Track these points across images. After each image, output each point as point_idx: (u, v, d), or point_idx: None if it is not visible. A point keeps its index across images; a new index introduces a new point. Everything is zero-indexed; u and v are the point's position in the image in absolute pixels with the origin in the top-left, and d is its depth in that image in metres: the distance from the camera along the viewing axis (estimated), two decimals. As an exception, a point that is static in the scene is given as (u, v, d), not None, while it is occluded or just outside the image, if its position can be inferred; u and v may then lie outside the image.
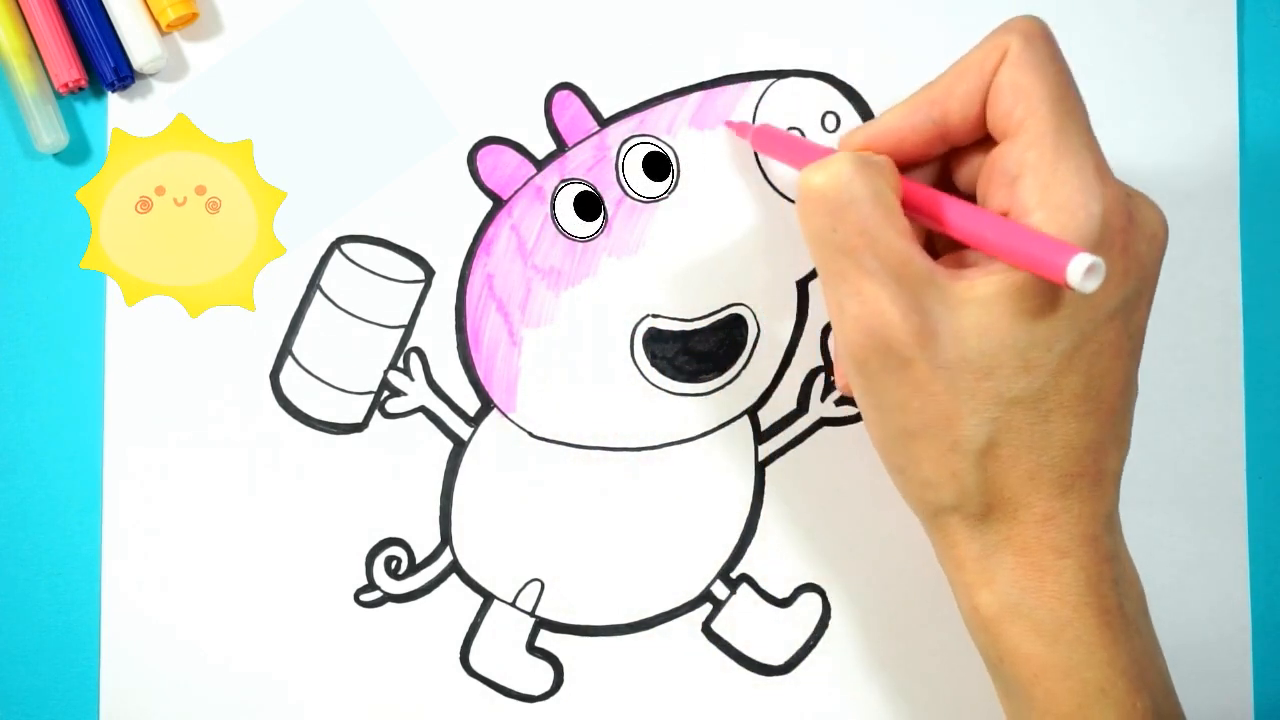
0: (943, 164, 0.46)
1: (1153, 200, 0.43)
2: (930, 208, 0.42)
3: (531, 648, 0.52)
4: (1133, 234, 0.41)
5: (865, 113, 0.52)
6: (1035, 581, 0.42)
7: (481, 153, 0.52)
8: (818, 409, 0.52)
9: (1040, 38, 0.43)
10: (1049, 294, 0.40)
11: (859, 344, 0.42)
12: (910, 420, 0.42)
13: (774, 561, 0.52)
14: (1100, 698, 0.42)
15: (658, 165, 0.52)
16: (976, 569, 0.43)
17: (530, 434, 0.52)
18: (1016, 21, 0.43)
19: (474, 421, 0.52)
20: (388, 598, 0.52)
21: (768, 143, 0.50)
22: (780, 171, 0.52)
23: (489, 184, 0.52)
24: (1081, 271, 0.37)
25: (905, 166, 0.45)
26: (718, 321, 0.52)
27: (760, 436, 0.52)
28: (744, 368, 0.52)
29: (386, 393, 0.52)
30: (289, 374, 0.52)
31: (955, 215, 0.42)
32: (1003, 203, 0.42)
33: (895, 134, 0.44)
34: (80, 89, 0.51)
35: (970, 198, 0.45)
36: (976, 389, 0.41)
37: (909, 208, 0.43)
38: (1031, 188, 0.41)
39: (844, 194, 0.41)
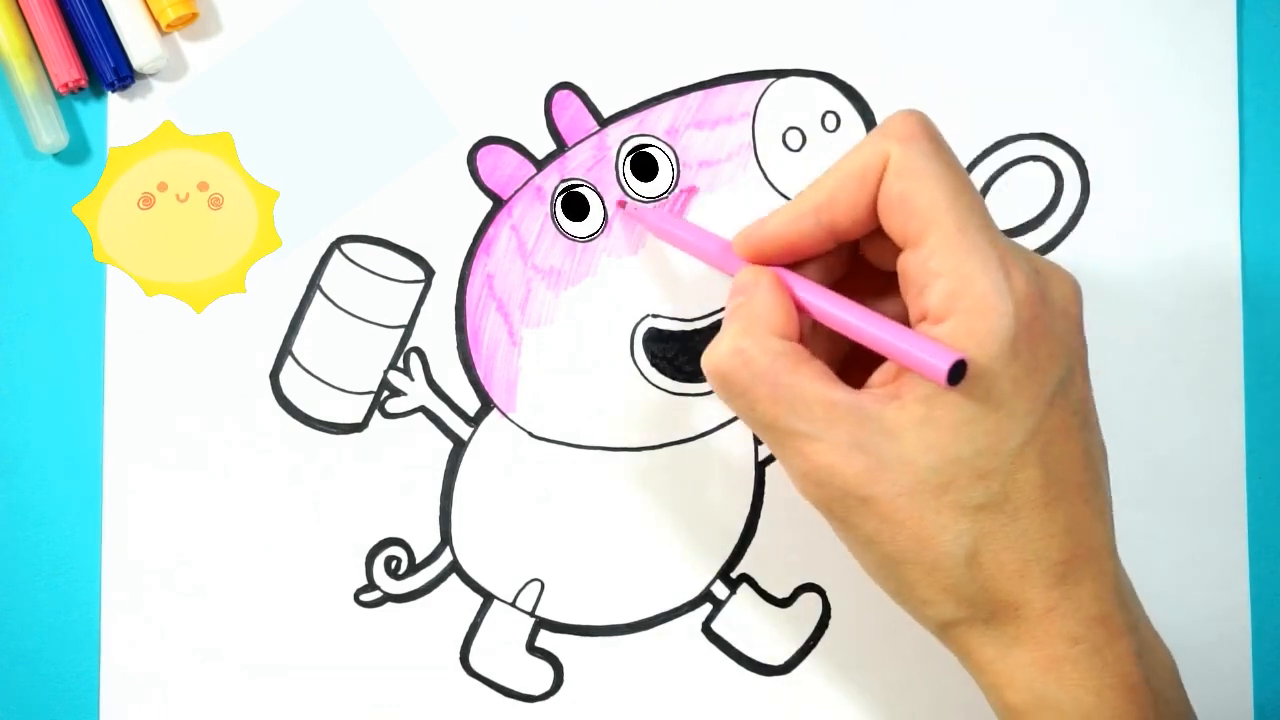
0: (851, 245, 0.45)
1: (1058, 266, 0.43)
2: (824, 315, 0.42)
3: (531, 648, 0.52)
4: (1048, 317, 0.41)
5: (865, 112, 0.52)
6: (1054, 673, 0.42)
7: (481, 153, 0.52)
8: (818, 409, 0.52)
9: (921, 137, 0.42)
10: (979, 401, 0.40)
11: (816, 496, 0.42)
12: (888, 549, 0.41)
13: (774, 561, 0.52)
14: None
15: (657, 166, 0.52)
16: (996, 670, 0.42)
17: (530, 434, 0.52)
18: (894, 123, 0.42)
19: (474, 421, 0.52)
20: (388, 598, 0.52)
21: (664, 228, 0.50)
22: (780, 172, 0.52)
23: (489, 184, 0.52)
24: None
25: (805, 260, 0.44)
26: (718, 321, 0.52)
27: (760, 436, 0.52)
28: (744, 368, 0.52)
29: (386, 393, 0.52)
30: (289, 374, 0.52)
31: (845, 319, 0.42)
32: (919, 309, 0.41)
33: (783, 239, 0.44)
34: (80, 89, 0.51)
35: (888, 273, 0.44)
36: (939, 506, 0.41)
37: (805, 314, 0.43)
38: (942, 295, 0.40)
39: (745, 373, 0.41)
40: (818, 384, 0.41)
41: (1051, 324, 0.41)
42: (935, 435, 0.40)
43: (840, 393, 0.41)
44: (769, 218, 0.44)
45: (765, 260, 0.44)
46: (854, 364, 0.44)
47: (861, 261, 0.46)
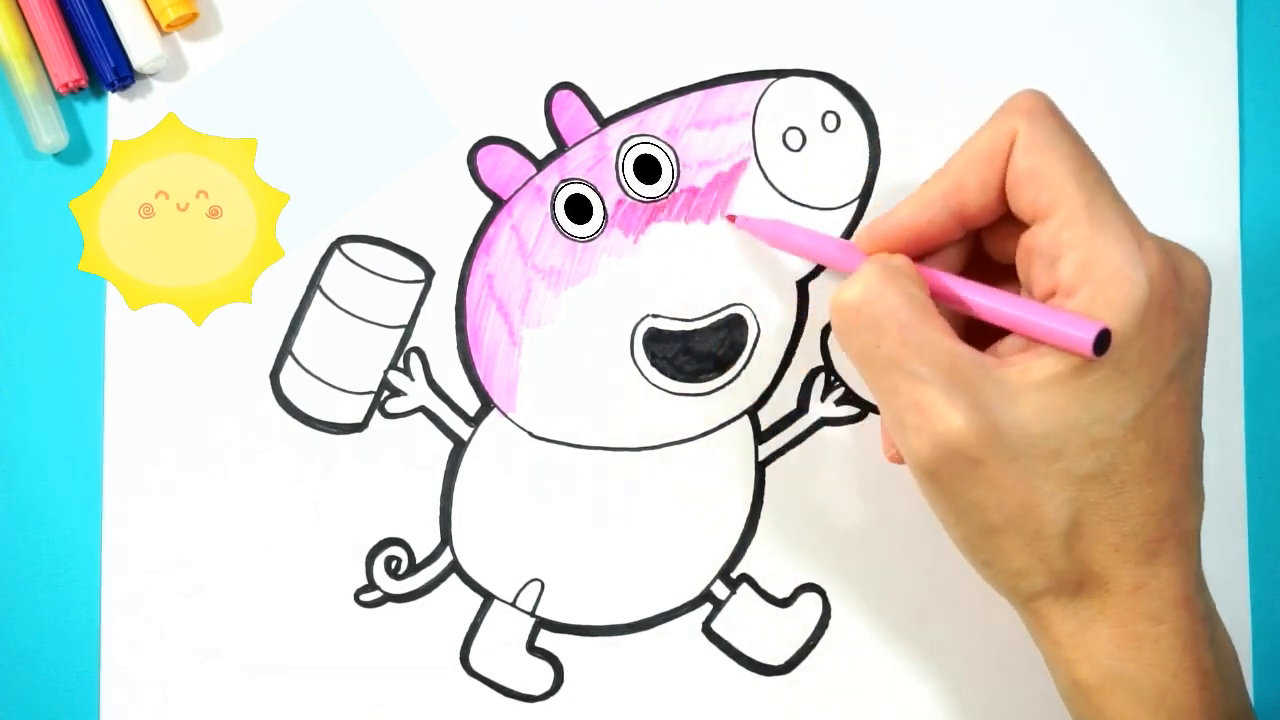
0: (973, 238, 0.46)
1: (1191, 251, 0.43)
2: (955, 297, 0.43)
3: (531, 648, 0.52)
4: (1179, 294, 0.41)
5: (865, 112, 0.52)
6: (1133, 651, 0.42)
7: (481, 153, 0.52)
8: (818, 409, 0.52)
9: (1045, 113, 0.42)
10: (1105, 368, 0.40)
11: (926, 456, 0.41)
12: (990, 517, 0.41)
13: (774, 561, 0.52)
14: None
15: (657, 166, 0.52)
16: (1074, 645, 0.43)
17: (530, 434, 0.52)
18: (1018, 101, 0.43)
19: (474, 421, 0.52)
20: (388, 598, 0.52)
21: (779, 236, 0.50)
22: (780, 172, 0.52)
23: (489, 184, 0.52)
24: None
25: (929, 252, 0.45)
26: (718, 321, 0.52)
27: (760, 436, 0.52)
28: (744, 368, 0.52)
29: (386, 393, 0.52)
30: (289, 374, 0.52)
31: (978, 300, 0.42)
32: (1047, 284, 0.42)
33: (912, 229, 0.44)
34: (80, 89, 0.51)
35: (1004, 267, 0.45)
36: (1048, 473, 0.41)
37: (937, 297, 0.43)
38: (1074, 266, 0.41)
39: (879, 306, 0.41)
40: (946, 338, 0.41)
41: (1180, 301, 0.41)
42: (1054, 401, 0.40)
43: (965, 350, 0.41)
44: (895, 209, 0.44)
45: (890, 252, 0.44)
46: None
47: (977, 258, 0.46)
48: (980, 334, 0.43)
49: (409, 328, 0.52)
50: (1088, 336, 0.39)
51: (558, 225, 0.52)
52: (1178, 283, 0.41)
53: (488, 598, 0.52)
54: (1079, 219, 0.41)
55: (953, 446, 0.40)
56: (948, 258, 0.45)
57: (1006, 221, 0.44)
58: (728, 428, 0.52)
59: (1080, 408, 0.40)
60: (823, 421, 0.52)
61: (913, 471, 0.42)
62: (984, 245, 0.46)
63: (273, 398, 0.51)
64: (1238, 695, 0.44)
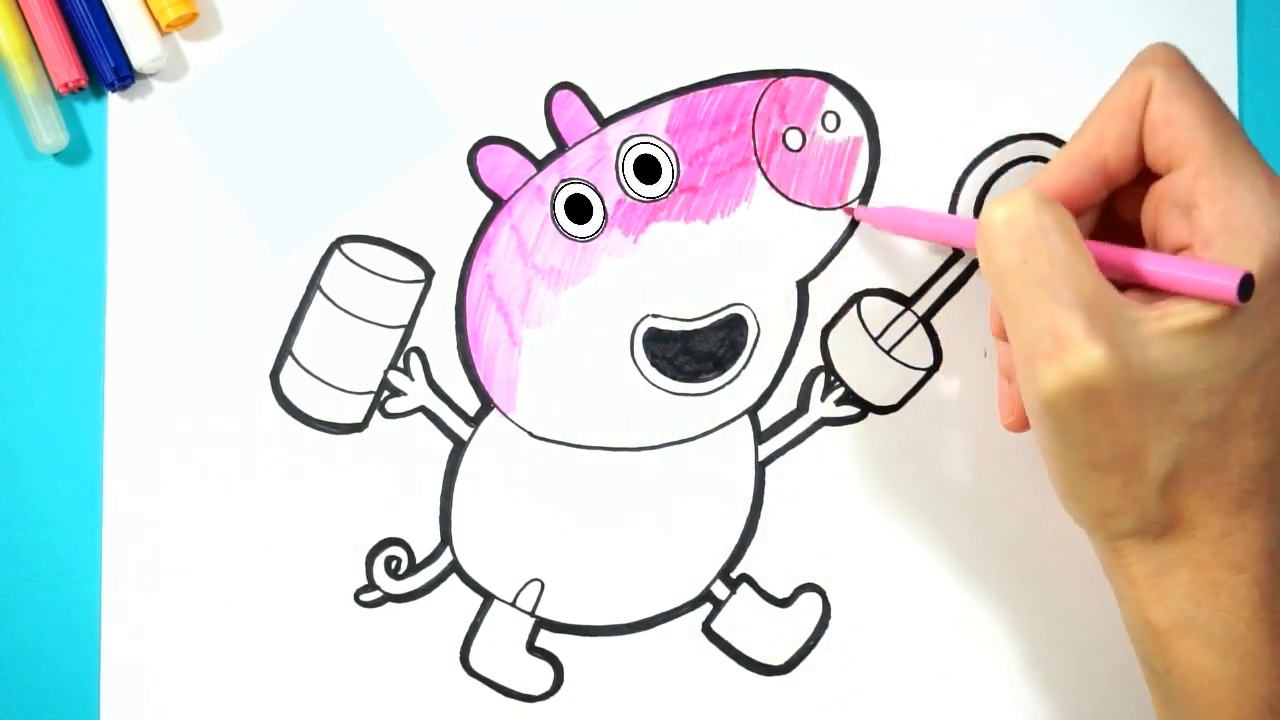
0: (1101, 204, 0.46)
1: None
2: (1113, 262, 0.42)
3: (531, 648, 0.52)
4: None
5: (865, 112, 0.52)
6: (1210, 597, 0.42)
7: (481, 153, 0.52)
8: (818, 409, 0.52)
9: (1181, 65, 0.43)
10: (1230, 316, 0.40)
11: (1053, 385, 0.40)
12: (1098, 454, 0.41)
13: (774, 561, 0.52)
14: (1269, 713, 0.42)
15: (657, 166, 0.52)
16: (1150, 585, 0.43)
17: (530, 434, 0.52)
18: (1153, 52, 0.43)
19: (474, 421, 0.52)
20: (388, 598, 0.52)
21: (904, 222, 0.50)
22: (780, 172, 0.52)
23: (489, 184, 0.52)
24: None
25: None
26: (718, 321, 0.52)
27: (760, 436, 0.52)
28: (744, 368, 0.52)
29: (386, 393, 0.52)
30: (289, 374, 0.52)
31: (1138, 263, 0.42)
32: (1180, 234, 0.42)
33: (1057, 190, 0.44)
34: (80, 89, 0.51)
35: (1131, 225, 0.45)
36: (1163, 416, 0.41)
37: None
38: (1209, 216, 0.41)
39: (1033, 224, 0.41)
40: (1094, 271, 0.41)
41: None
42: (1184, 346, 0.40)
43: (1108, 285, 0.41)
44: (1036, 176, 0.45)
45: None
46: None
47: (1105, 221, 0.46)
48: None
49: (409, 328, 0.52)
50: (1231, 284, 0.39)
51: (558, 225, 0.52)
52: None
53: (488, 598, 0.52)
54: (1214, 168, 0.41)
55: (1084, 380, 0.40)
56: (1081, 225, 0.45)
57: (1136, 181, 0.44)
58: (728, 428, 0.52)
59: (1202, 352, 0.40)
60: (823, 421, 0.52)
61: (1028, 399, 0.42)
62: (1112, 203, 0.46)
63: (273, 398, 0.51)
64: None
